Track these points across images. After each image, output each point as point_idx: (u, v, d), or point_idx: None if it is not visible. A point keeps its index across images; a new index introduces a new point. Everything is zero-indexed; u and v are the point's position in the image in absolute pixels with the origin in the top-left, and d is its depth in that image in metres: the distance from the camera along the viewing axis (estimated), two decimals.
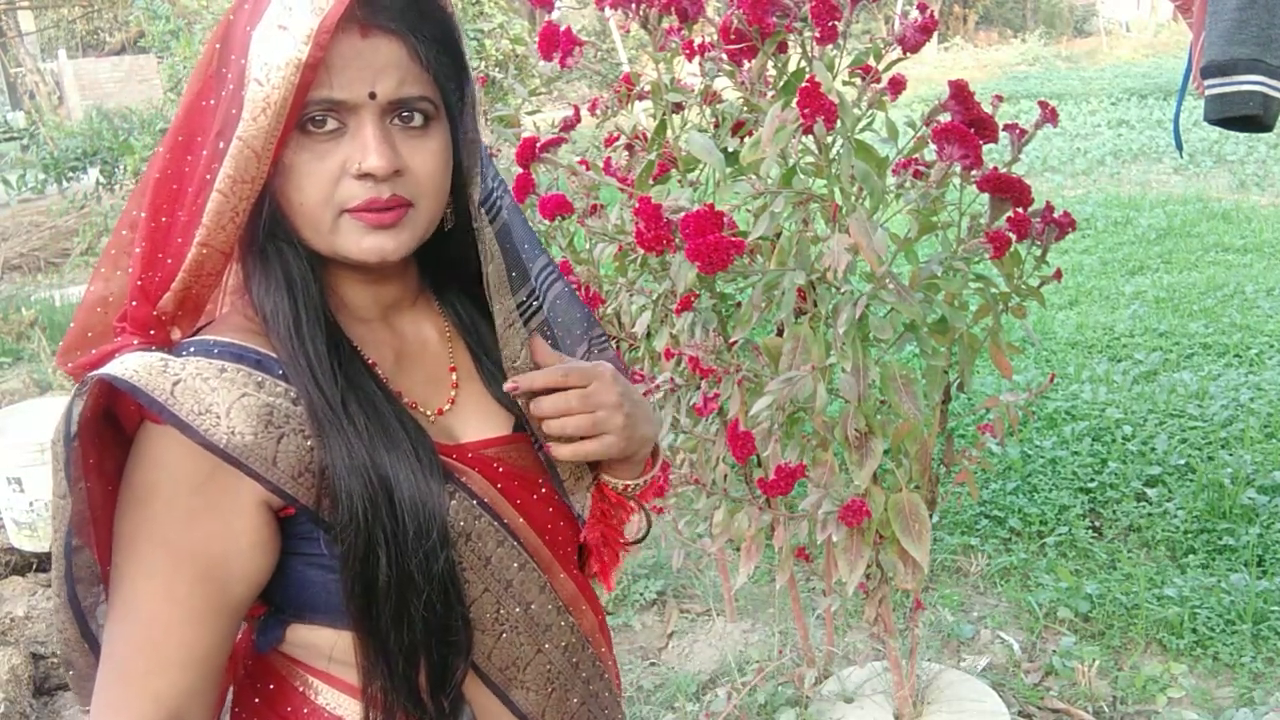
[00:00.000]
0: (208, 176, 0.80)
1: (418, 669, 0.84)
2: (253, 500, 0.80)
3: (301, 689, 0.89)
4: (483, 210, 0.92)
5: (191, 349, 0.81)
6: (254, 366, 0.82)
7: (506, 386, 0.92)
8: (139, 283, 0.82)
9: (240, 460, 0.78)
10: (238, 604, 0.82)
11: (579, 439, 0.93)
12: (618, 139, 2.10)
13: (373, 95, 0.80)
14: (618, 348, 2.25)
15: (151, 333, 0.83)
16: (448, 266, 0.96)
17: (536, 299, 0.99)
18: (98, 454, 0.80)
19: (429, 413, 0.91)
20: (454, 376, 0.95)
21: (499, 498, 0.90)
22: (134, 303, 0.82)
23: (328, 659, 0.87)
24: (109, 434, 0.81)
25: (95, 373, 0.77)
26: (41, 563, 3.17)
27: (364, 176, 0.81)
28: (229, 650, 0.83)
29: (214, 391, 0.79)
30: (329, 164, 0.81)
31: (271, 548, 0.83)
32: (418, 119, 0.84)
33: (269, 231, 0.84)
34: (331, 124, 0.81)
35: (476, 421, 0.93)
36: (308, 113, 0.80)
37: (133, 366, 0.77)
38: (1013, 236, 1.60)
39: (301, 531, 0.83)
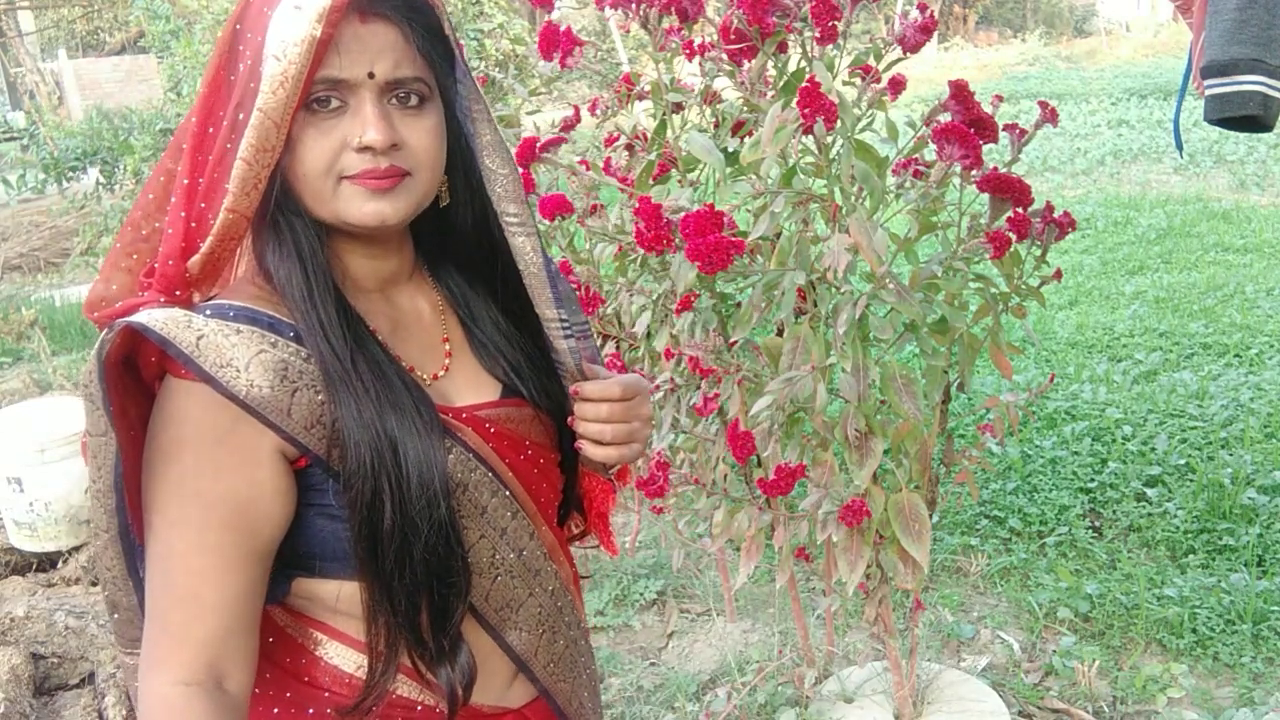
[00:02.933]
0: (228, 145, 0.86)
1: (419, 609, 0.90)
2: (271, 450, 0.86)
3: (302, 641, 0.95)
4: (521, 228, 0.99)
5: (209, 311, 0.87)
6: (267, 329, 0.87)
7: (572, 389, 1.02)
8: (183, 244, 0.88)
9: (259, 411, 0.84)
10: (265, 549, 0.87)
11: (610, 444, 1.03)
12: (618, 139, 2.10)
13: (371, 75, 0.88)
14: (618, 348, 2.25)
15: (177, 293, 0.89)
16: (442, 244, 1.03)
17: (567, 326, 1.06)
18: (120, 399, 0.85)
19: (425, 377, 0.97)
20: (446, 347, 1.02)
21: (491, 453, 0.97)
22: (171, 262, 0.88)
23: (332, 610, 0.93)
24: (129, 382, 0.87)
25: (125, 319, 0.83)
26: (41, 563, 3.17)
27: (364, 150, 0.88)
28: (262, 597, 0.88)
29: (234, 347, 0.84)
30: (332, 138, 0.88)
31: (290, 496, 0.88)
32: (413, 99, 0.91)
33: (279, 204, 0.90)
34: (334, 103, 0.88)
35: (468, 387, 1.00)
36: (314, 92, 0.87)
37: (160, 319, 0.83)
38: (1013, 236, 1.60)
39: (314, 482, 0.89)
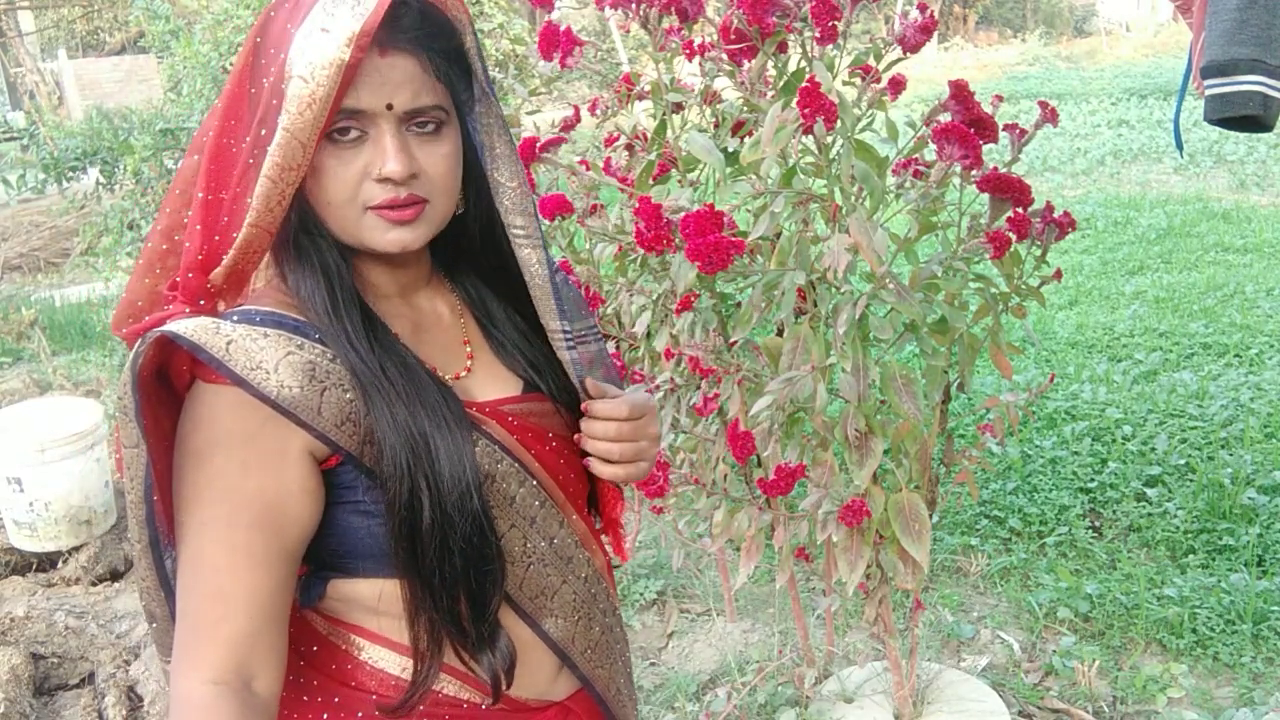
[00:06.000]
0: (250, 161, 0.88)
1: (459, 601, 0.93)
2: (300, 449, 0.88)
3: (344, 647, 0.96)
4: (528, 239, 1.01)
5: (235, 317, 0.89)
6: (293, 331, 0.90)
7: (583, 406, 1.04)
8: (200, 257, 0.90)
9: (290, 410, 0.86)
10: (294, 549, 0.89)
11: (618, 462, 1.04)
12: (618, 139, 2.10)
13: (390, 107, 0.90)
14: (618, 348, 2.25)
15: (201, 303, 0.91)
16: (458, 249, 1.05)
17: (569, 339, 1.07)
18: (152, 410, 0.87)
19: (447, 377, 0.99)
20: (467, 348, 1.04)
21: (516, 444, 0.99)
22: (190, 275, 0.90)
23: (371, 611, 0.95)
24: (161, 392, 0.89)
25: (157, 329, 0.85)
26: (41, 563, 3.17)
27: (384, 180, 0.90)
28: (290, 596, 0.90)
29: (262, 350, 0.87)
30: (353, 168, 0.90)
31: (319, 496, 0.90)
32: (430, 126, 0.93)
33: (300, 223, 0.93)
34: (354, 133, 0.90)
35: (490, 384, 1.03)
36: (335, 123, 0.88)
37: (190, 327, 0.85)
38: (1013, 236, 1.60)
39: (344, 481, 0.91)
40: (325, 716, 0.95)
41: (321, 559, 0.94)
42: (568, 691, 1.05)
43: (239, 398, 0.85)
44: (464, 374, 1.01)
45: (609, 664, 1.08)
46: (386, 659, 0.95)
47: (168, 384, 0.89)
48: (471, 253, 1.05)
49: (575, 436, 1.05)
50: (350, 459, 0.89)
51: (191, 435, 0.87)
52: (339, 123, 0.88)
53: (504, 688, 0.96)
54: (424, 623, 0.92)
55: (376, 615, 0.95)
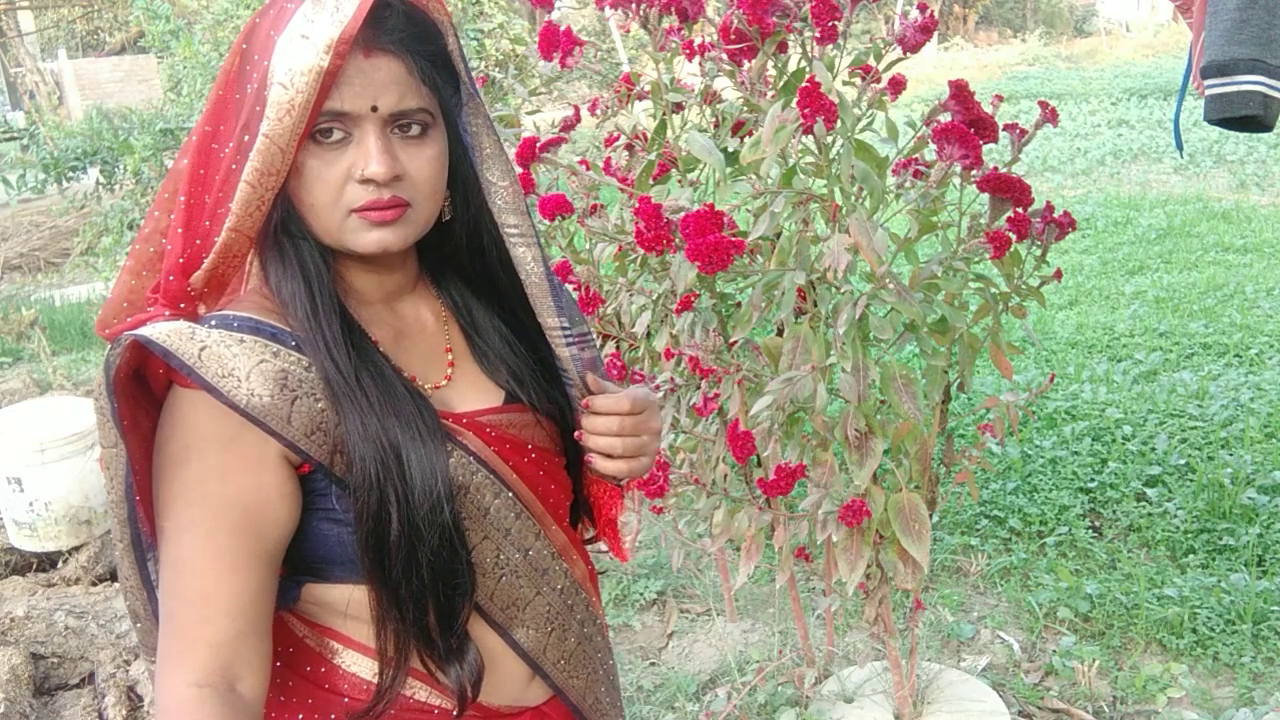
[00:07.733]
0: (233, 166, 0.89)
1: (427, 611, 0.93)
2: (277, 454, 0.88)
3: (319, 650, 0.97)
4: (520, 235, 1.00)
5: (214, 321, 0.90)
6: (270, 338, 0.90)
7: (584, 402, 1.03)
8: (181, 261, 0.91)
9: (259, 419, 0.86)
10: (273, 551, 0.89)
11: (620, 457, 1.03)
12: (618, 139, 2.10)
13: (374, 108, 0.89)
14: (618, 348, 2.25)
15: (181, 306, 0.92)
16: (444, 256, 1.05)
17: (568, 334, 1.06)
18: (131, 411, 0.87)
19: (427, 386, 0.99)
20: (449, 356, 1.03)
21: (493, 456, 0.98)
22: (171, 277, 0.91)
23: (343, 615, 0.95)
24: (140, 394, 0.89)
25: (130, 333, 0.85)
26: (41, 563, 3.17)
27: (367, 181, 0.90)
28: (272, 599, 0.90)
29: (235, 358, 0.86)
30: (337, 169, 0.90)
31: (296, 499, 0.90)
32: (415, 128, 0.92)
33: (284, 225, 0.92)
34: (338, 134, 0.90)
35: (470, 394, 1.02)
36: (319, 124, 0.88)
37: (164, 331, 0.85)
38: (1013, 236, 1.60)
39: (317, 488, 0.91)
40: (300, 718, 0.95)
41: (295, 563, 0.94)
42: (542, 697, 1.05)
43: (214, 403, 0.85)
44: (444, 383, 1.00)
45: (585, 674, 1.08)
46: (359, 663, 0.96)
47: (146, 386, 0.89)
48: (457, 260, 1.05)
49: (576, 434, 1.04)
50: (320, 468, 0.89)
51: (170, 439, 0.87)
52: (322, 123, 0.88)
53: (469, 701, 0.96)
54: (390, 631, 0.92)
55: (348, 620, 0.95)
